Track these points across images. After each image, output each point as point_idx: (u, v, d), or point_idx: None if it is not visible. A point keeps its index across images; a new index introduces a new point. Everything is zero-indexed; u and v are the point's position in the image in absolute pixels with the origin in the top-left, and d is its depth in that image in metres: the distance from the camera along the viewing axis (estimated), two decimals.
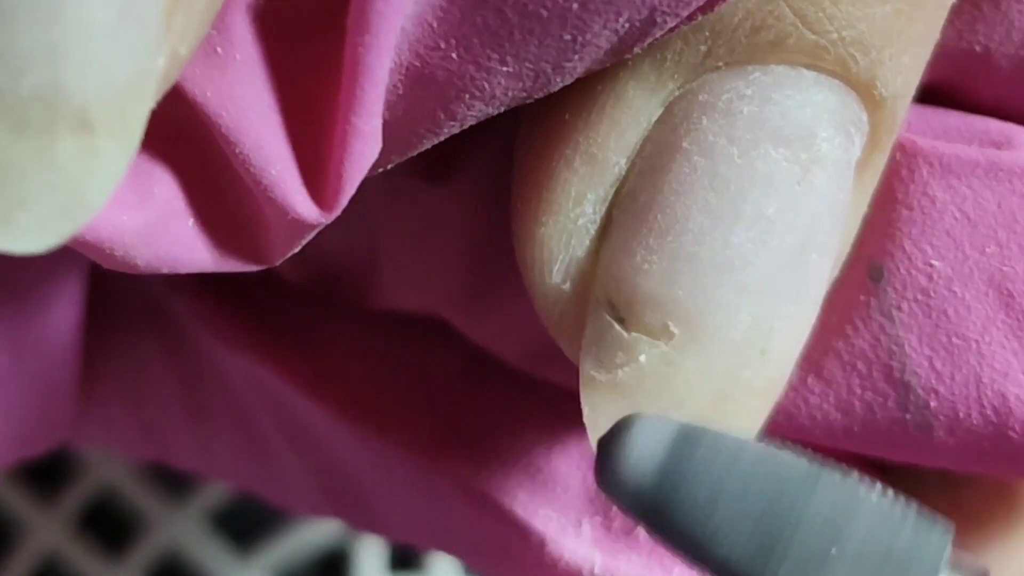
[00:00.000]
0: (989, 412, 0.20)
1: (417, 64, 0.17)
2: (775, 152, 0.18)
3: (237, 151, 0.17)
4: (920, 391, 0.20)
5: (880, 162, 0.20)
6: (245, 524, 0.37)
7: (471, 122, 0.19)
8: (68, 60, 0.14)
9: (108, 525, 0.37)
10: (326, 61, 0.18)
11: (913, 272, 0.20)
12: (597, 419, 0.19)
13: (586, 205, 0.19)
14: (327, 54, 0.17)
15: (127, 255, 0.18)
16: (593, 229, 0.19)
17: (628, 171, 0.19)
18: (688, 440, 0.17)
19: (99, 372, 0.27)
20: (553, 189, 0.19)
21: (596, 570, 0.23)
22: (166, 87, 0.16)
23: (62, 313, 0.25)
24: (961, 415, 0.20)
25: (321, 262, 0.25)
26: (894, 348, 0.20)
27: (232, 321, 0.25)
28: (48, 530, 0.37)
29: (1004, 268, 0.20)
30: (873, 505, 0.17)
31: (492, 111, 0.19)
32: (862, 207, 0.20)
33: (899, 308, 0.20)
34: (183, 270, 0.19)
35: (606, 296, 0.19)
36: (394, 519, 0.27)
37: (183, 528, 0.37)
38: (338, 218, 0.18)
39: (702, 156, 0.19)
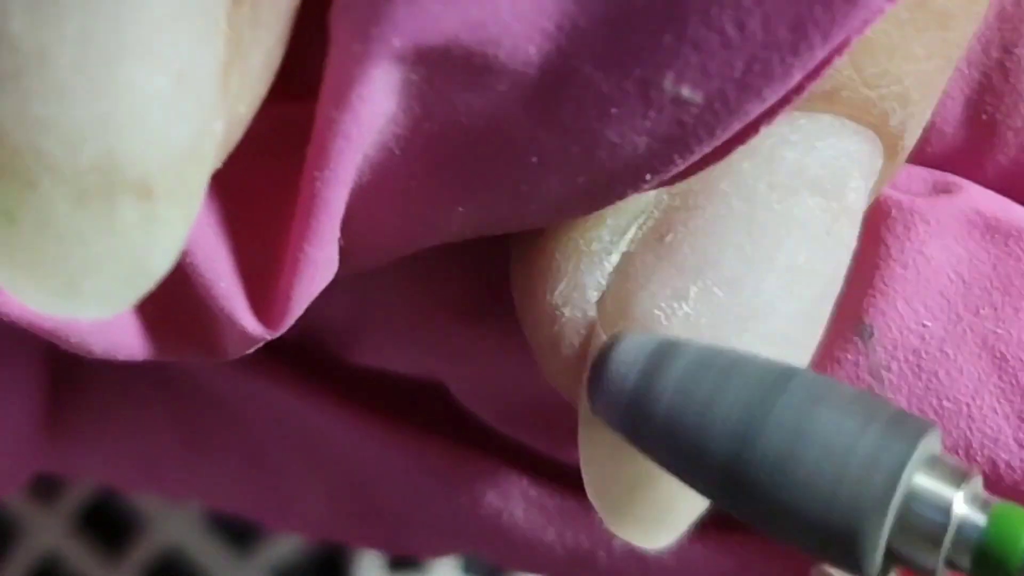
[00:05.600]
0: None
1: (374, 186, 0.17)
2: (811, 200, 0.18)
3: (188, 261, 0.17)
4: None
5: (871, 200, 0.20)
6: (243, 524, 0.37)
7: (423, 247, 0.18)
8: (125, 129, 0.14)
9: (107, 525, 0.38)
10: (283, 185, 0.17)
11: (905, 332, 0.20)
12: (592, 455, 0.19)
13: (603, 230, 0.19)
14: (285, 178, 0.17)
15: (83, 342, 0.18)
16: (607, 260, 0.19)
17: (655, 206, 0.19)
18: (665, 351, 0.17)
19: (88, 411, 0.27)
20: None
21: None
22: (228, 148, 0.16)
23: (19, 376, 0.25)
24: None
25: (305, 321, 0.25)
26: None
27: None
28: (47, 529, 0.38)
29: (998, 331, 0.20)
30: (845, 401, 0.17)
31: (446, 239, 0.18)
32: None
33: (888, 368, 0.20)
34: (139, 358, 0.19)
35: (616, 331, 0.19)
36: (415, 533, 0.27)
37: (181, 528, 0.38)
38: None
39: (741, 200, 0.18)
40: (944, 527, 0.16)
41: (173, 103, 0.14)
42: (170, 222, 0.15)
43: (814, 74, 0.16)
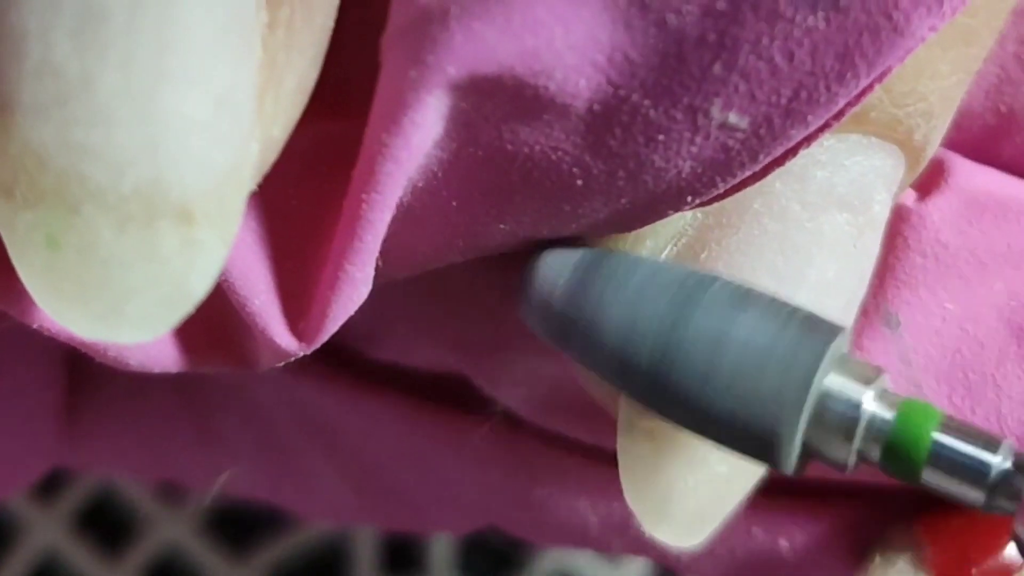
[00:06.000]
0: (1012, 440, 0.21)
1: (416, 207, 0.17)
2: (840, 217, 0.19)
3: (224, 278, 0.17)
4: None
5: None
6: (242, 524, 0.38)
7: (454, 261, 0.19)
8: (167, 155, 0.14)
9: (106, 525, 0.38)
10: (320, 203, 0.18)
11: (928, 317, 0.21)
12: (632, 463, 0.20)
13: (642, 251, 0.19)
14: (322, 196, 0.18)
15: (120, 355, 0.18)
16: None
17: (691, 224, 0.19)
18: (591, 262, 0.18)
19: (105, 403, 0.28)
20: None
21: None
22: (263, 170, 0.16)
23: (38, 373, 0.26)
24: None
25: None
26: (913, 390, 0.21)
27: None
28: (47, 529, 0.38)
29: (1012, 303, 0.21)
30: (765, 303, 0.18)
31: (478, 255, 0.19)
32: None
33: (915, 351, 0.21)
34: (175, 371, 0.19)
35: None
36: (439, 511, 0.27)
37: (180, 528, 0.38)
38: None
39: (773, 219, 0.19)
40: (855, 422, 0.18)
41: (213, 128, 0.15)
42: (209, 246, 0.15)
43: (855, 101, 0.17)
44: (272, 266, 0.18)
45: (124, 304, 0.15)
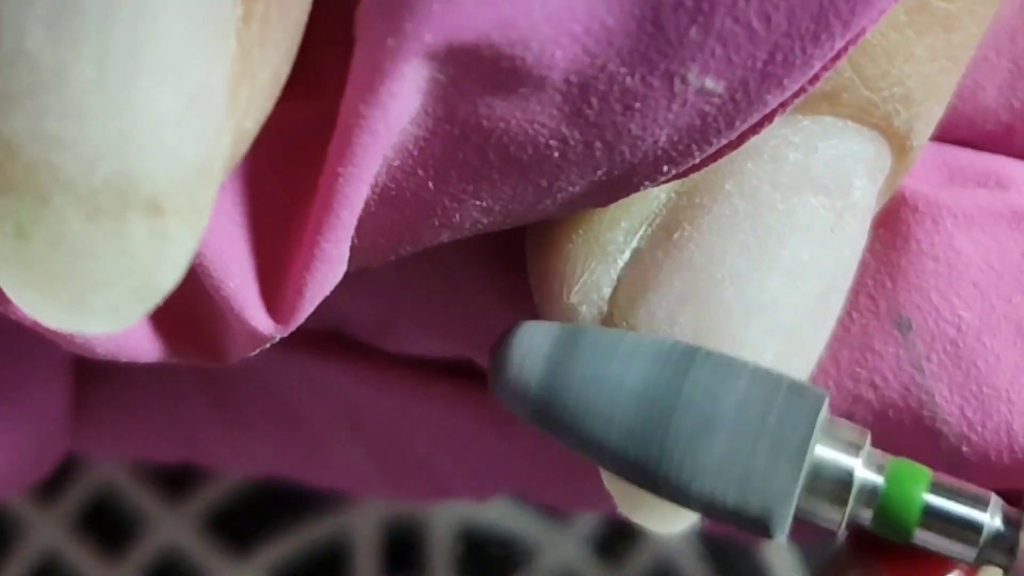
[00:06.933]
0: (1020, 455, 0.21)
1: (391, 186, 0.17)
2: (815, 200, 0.19)
3: (197, 261, 0.17)
4: (951, 438, 0.21)
5: (884, 199, 0.20)
6: (242, 524, 0.38)
7: (433, 244, 0.19)
8: (138, 148, 0.14)
9: (107, 524, 0.38)
10: (291, 182, 0.18)
11: (941, 324, 0.21)
12: None
13: (617, 232, 0.19)
14: (293, 175, 0.17)
15: (87, 343, 0.18)
16: (620, 258, 0.19)
17: (665, 204, 0.19)
18: (568, 339, 0.18)
19: (117, 389, 0.28)
20: (588, 210, 0.19)
21: None
22: (234, 162, 0.16)
23: (49, 365, 0.25)
24: (992, 458, 0.21)
25: (334, 316, 0.25)
26: (924, 397, 0.21)
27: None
28: (48, 529, 0.38)
29: None
30: (747, 377, 0.18)
31: (457, 236, 0.19)
32: None
33: (928, 359, 0.21)
34: (142, 360, 0.19)
35: (627, 326, 0.19)
36: (463, 480, 0.27)
37: (181, 528, 0.38)
38: (350, 277, 0.18)
39: (744, 199, 0.19)
40: (847, 489, 0.18)
41: (185, 122, 0.14)
42: (179, 239, 0.15)
43: (830, 64, 0.17)
44: (247, 248, 0.18)
45: (92, 295, 0.15)
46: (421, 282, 0.23)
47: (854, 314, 0.21)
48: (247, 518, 0.38)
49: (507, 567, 0.38)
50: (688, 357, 0.18)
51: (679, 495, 0.18)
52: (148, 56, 0.14)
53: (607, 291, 0.19)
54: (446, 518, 0.38)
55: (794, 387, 0.18)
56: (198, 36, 0.14)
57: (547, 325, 0.18)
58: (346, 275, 0.23)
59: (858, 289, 0.21)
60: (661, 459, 0.17)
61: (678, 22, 0.16)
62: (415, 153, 0.17)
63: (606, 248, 0.19)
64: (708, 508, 0.18)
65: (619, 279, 0.19)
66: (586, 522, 0.38)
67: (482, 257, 0.23)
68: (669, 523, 0.20)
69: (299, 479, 0.29)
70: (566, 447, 0.18)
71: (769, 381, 0.18)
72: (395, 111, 0.16)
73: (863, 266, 0.21)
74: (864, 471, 0.18)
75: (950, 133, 0.22)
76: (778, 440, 0.17)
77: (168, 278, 0.15)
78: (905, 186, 0.21)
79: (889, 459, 0.18)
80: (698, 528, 0.36)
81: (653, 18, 0.16)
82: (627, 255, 0.19)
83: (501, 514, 0.38)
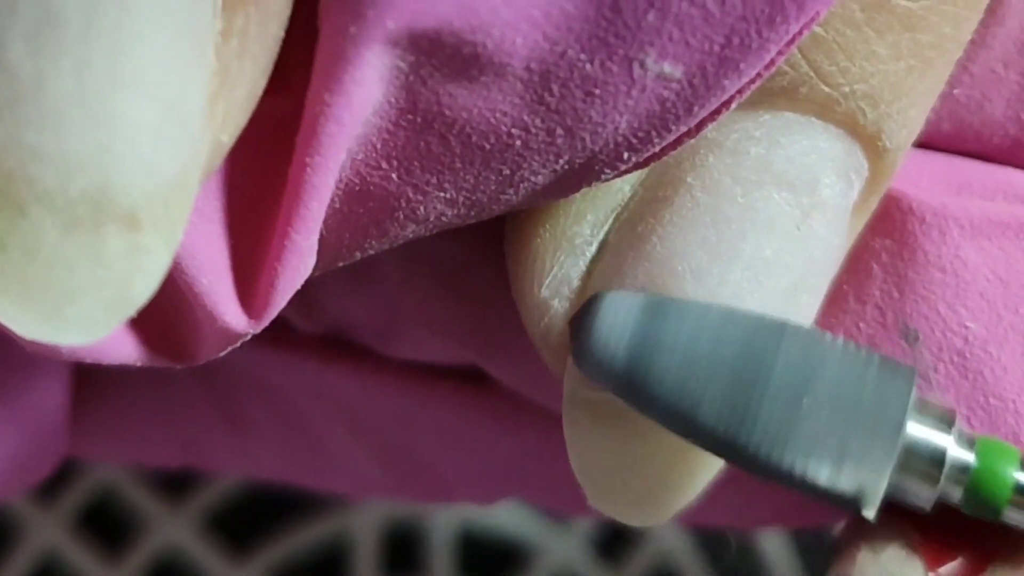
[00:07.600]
0: None
1: (356, 181, 0.17)
2: (778, 195, 0.19)
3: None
4: None
5: (874, 204, 0.20)
6: (242, 525, 0.38)
7: (400, 241, 0.19)
8: (116, 161, 0.14)
9: (107, 525, 0.38)
10: (270, 176, 0.18)
11: (948, 334, 0.21)
12: (575, 435, 0.19)
13: (584, 225, 0.19)
14: (272, 169, 0.17)
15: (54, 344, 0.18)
16: (588, 251, 0.19)
17: (630, 198, 0.19)
18: (655, 310, 0.18)
19: (117, 394, 0.28)
20: (554, 204, 0.19)
21: None
22: (208, 174, 0.16)
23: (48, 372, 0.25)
24: None
25: (335, 320, 0.25)
26: None
27: (291, 330, 0.26)
28: (47, 529, 0.38)
29: None
30: (838, 353, 0.18)
31: (423, 232, 0.19)
32: (848, 245, 0.20)
33: (935, 370, 0.21)
34: (108, 362, 0.19)
35: None
36: (464, 483, 0.27)
37: (181, 528, 0.38)
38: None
39: (705, 192, 0.19)
40: (940, 468, 0.18)
41: (163, 135, 0.15)
42: (154, 251, 0.15)
43: (785, 48, 0.17)
44: (219, 245, 0.18)
45: (66, 306, 0.15)
46: (424, 285, 0.23)
47: (861, 325, 0.21)
48: (247, 519, 0.38)
49: (507, 568, 0.38)
50: (778, 332, 0.18)
51: (769, 470, 0.18)
52: (127, 69, 0.14)
53: (577, 284, 0.19)
54: (446, 519, 0.38)
55: (885, 364, 0.18)
56: (177, 50, 0.14)
57: (633, 295, 0.18)
58: (349, 279, 0.23)
59: (865, 300, 0.21)
60: (752, 434, 0.17)
61: (636, 6, 0.16)
62: (378, 146, 0.17)
63: (574, 241, 0.19)
64: (798, 484, 0.18)
65: (587, 272, 0.19)
66: (586, 523, 0.38)
67: (485, 260, 0.23)
68: (636, 518, 0.20)
69: (302, 484, 0.29)
70: (651, 418, 0.18)
71: (859, 358, 0.18)
72: (359, 99, 0.16)
73: (870, 277, 0.21)
74: (956, 449, 0.18)
75: (957, 146, 0.22)
76: (873, 418, 0.17)
77: (143, 290, 0.15)
78: (912, 197, 0.21)
79: (978, 437, 0.18)
80: (698, 528, 0.36)
81: (611, 3, 0.16)
82: (594, 248, 0.19)
83: (501, 515, 0.38)
